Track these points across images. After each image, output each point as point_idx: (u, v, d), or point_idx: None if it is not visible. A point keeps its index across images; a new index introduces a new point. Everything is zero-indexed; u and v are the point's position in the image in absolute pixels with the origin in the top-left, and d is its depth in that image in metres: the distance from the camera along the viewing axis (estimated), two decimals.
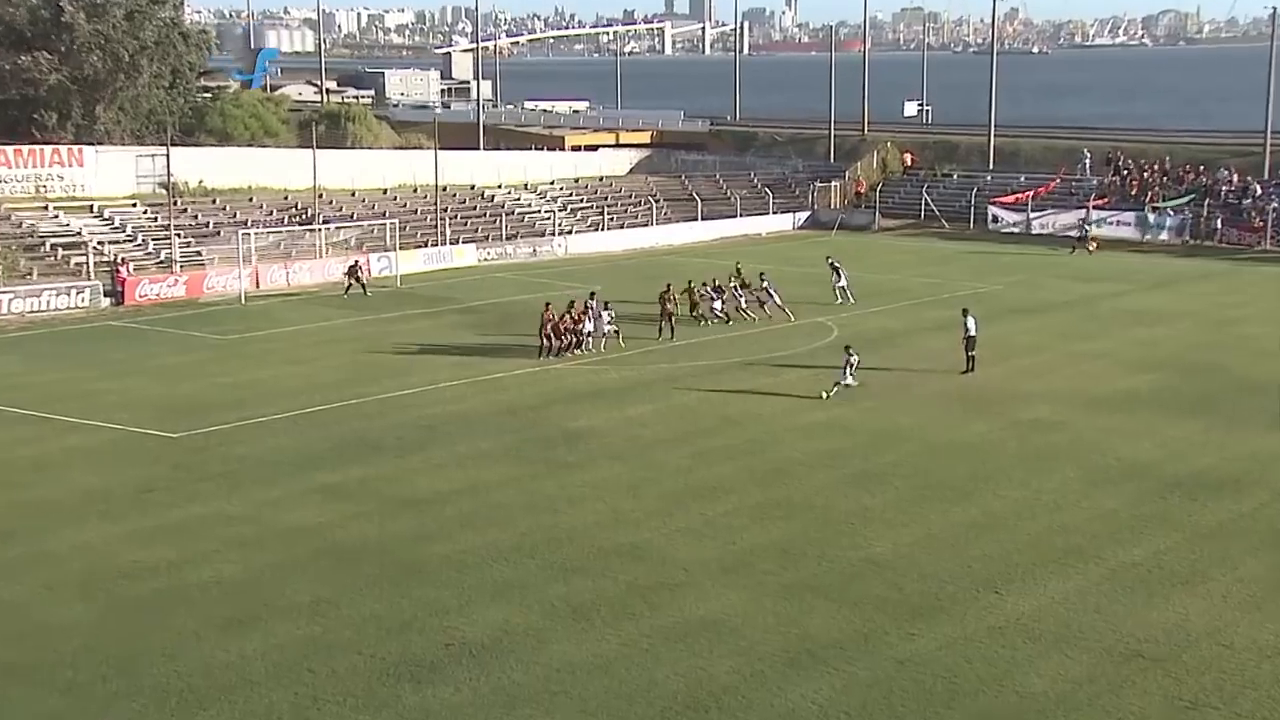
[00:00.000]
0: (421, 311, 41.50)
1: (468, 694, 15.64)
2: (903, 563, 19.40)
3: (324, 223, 53.70)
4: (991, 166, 68.78)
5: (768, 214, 68.01)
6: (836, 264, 42.18)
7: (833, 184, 70.69)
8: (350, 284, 45.40)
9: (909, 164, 72.03)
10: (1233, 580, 18.62)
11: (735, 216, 66.95)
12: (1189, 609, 17.73)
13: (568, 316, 33.88)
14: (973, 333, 31.61)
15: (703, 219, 65.86)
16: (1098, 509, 21.64)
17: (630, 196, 68.02)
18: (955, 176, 68.50)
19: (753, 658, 16.44)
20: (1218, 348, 35.27)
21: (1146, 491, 22.54)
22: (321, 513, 21.91)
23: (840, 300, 40.96)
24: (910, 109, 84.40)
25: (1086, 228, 58.25)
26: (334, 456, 25.08)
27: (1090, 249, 55.81)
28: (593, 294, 35.38)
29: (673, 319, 34.74)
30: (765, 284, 39.32)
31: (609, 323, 33.98)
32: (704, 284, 38.36)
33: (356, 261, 47.01)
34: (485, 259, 55.86)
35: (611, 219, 63.88)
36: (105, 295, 44.43)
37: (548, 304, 34.82)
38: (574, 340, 33.62)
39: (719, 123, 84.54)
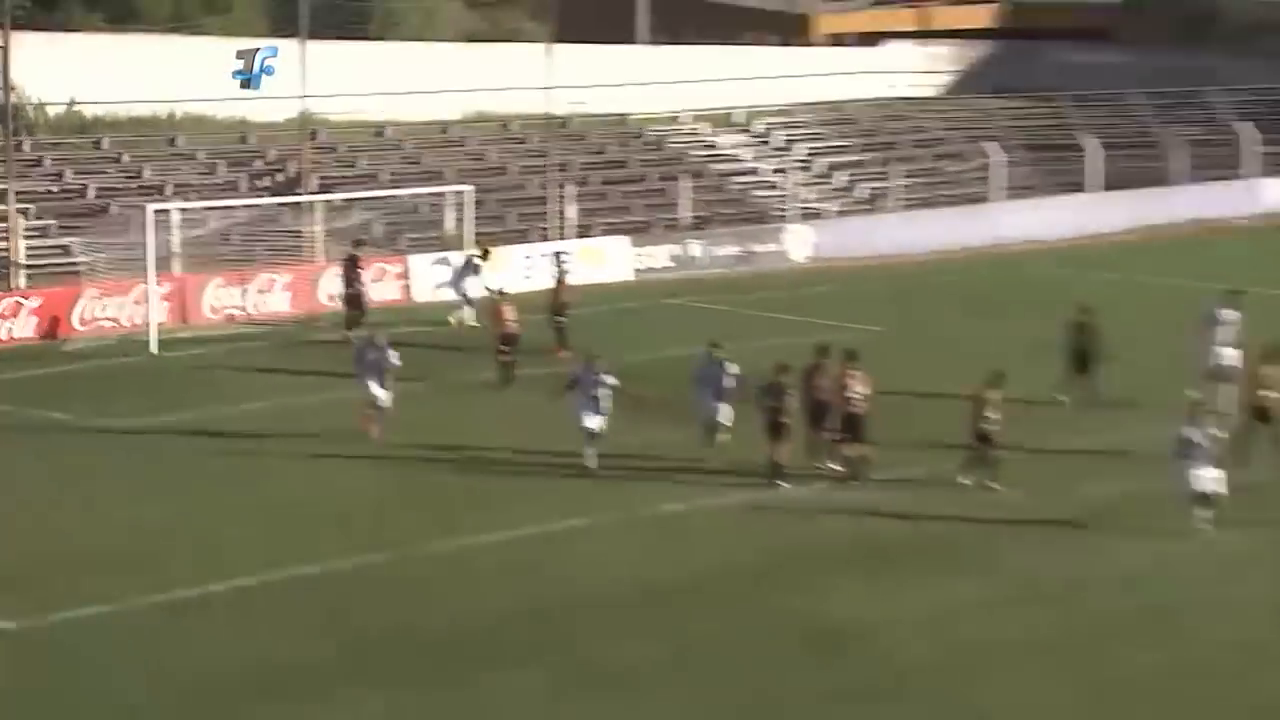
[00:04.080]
0: (519, 374, 41.30)
1: None
2: None
3: (320, 191, 53.96)
4: None
5: (1246, 177, 67.99)
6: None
7: None
8: (349, 310, 46.62)
9: None
10: None
11: (1172, 183, 66.90)
12: None
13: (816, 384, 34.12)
14: None
15: (1104, 189, 66.00)
16: None
17: (946, 142, 68.35)
18: None
19: None
20: None
21: None
22: None
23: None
24: None
25: None
26: (344, 669, 24.75)
27: None
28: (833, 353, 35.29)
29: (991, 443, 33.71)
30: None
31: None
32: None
33: (354, 260, 47.40)
34: (646, 267, 55.77)
35: (908, 189, 64.05)
36: None
37: (812, 365, 35.03)
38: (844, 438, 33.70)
39: None
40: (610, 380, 33.93)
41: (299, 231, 51.57)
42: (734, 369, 33.94)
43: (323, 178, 54.59)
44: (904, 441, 34.30)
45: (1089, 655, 25.22)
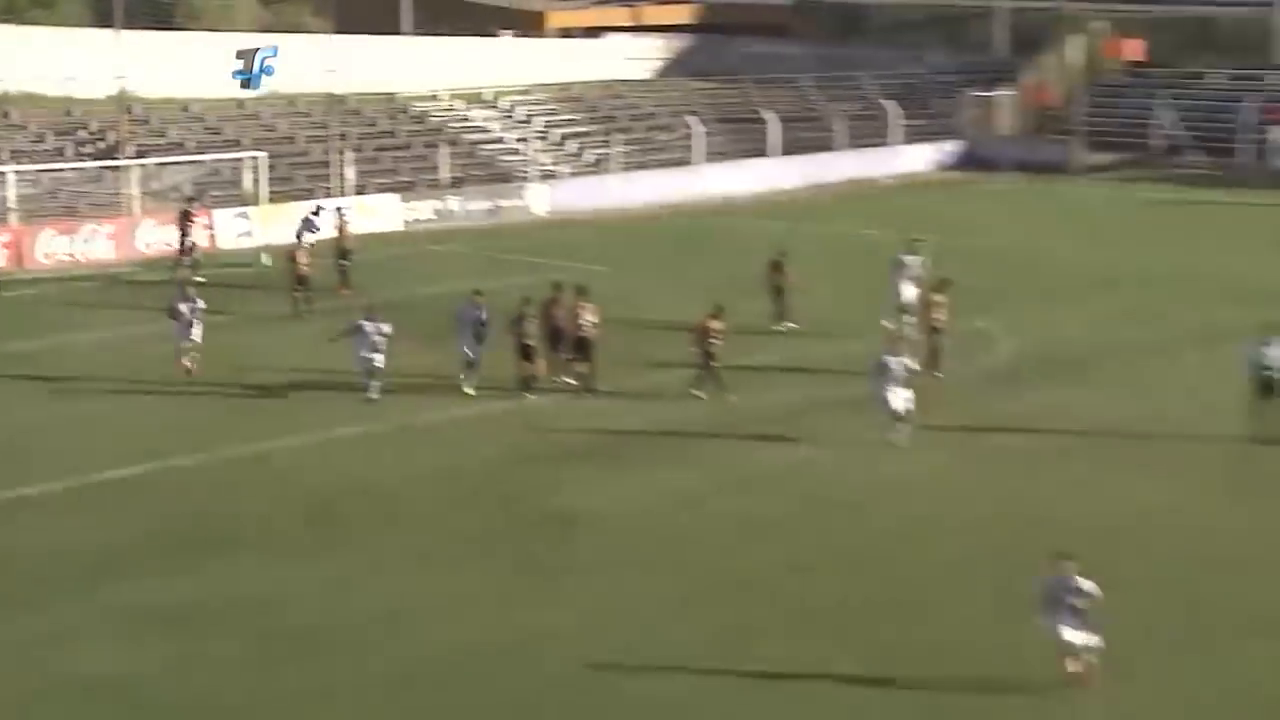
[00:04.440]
0: (310, 309, 41.59)
1: None
2: None
3: (137, 156, 54.15)
4: None
5: (890, 144, 70.67)
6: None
7: (1000, 94, 73.75)
8: (182, 258, 46.12)
9: (1133, 59, 74.89)
10: None
11: (834, 149, 69.31)
12: None
13: (554, 315, 34.61)
14: (1275, 367, 31.45)
15: (782, 154, 67.97)
16: None
17: (656, 117, 70.51)
18: (1214, 79, 71.46)
19: None
20: None
21: None
22: (134, 655, 21.64)
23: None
24: None
25: None
26: (155, 557, 24.99)
27: None
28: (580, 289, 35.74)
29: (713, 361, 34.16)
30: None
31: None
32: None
33: (188, 214, 47.46)
34: (414, 220, 56.94)
35: (626, 155, 65.63)
36: None
37: (548, 299, 35.75)
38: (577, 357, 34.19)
39: None
40: (386, 328, 33.33)
41: (118, 190, 52.69)
42: (485, 315, 33.53)
43: (138, 145, 55.26)
44: (625, 360, 35.22)
45: (785, 531, 26.32)
